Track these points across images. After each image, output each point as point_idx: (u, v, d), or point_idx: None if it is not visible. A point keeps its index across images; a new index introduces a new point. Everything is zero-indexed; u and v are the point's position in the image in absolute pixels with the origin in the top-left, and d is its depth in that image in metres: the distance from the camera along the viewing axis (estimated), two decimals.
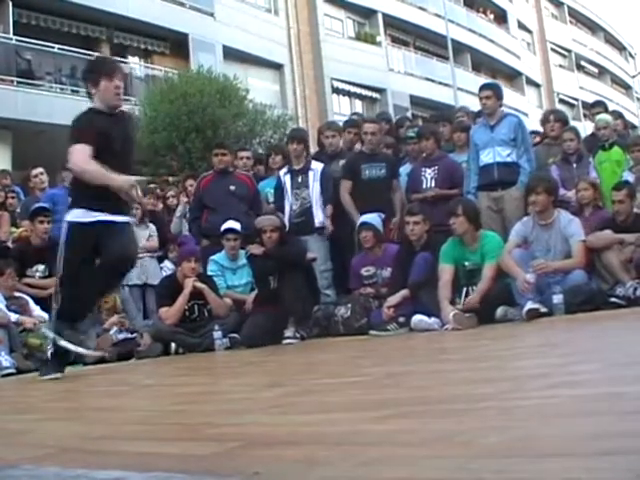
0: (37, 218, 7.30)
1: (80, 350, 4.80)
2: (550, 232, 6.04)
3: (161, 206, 9.13)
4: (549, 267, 5.79)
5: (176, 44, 21.02)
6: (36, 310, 6.73)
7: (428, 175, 7.35)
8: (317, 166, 7.34)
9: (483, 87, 7.38)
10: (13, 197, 8.40)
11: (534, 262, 5.77)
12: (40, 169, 8.83)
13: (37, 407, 3.18)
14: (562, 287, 5.67)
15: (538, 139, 8.35)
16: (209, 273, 7.06)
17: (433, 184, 7.30)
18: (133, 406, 2.94)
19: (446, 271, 6.02)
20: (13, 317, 6.35)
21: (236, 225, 7.07)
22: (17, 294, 6.75)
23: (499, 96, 7.18)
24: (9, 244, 7.67)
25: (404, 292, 6.16)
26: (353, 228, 6.79)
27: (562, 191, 7.08)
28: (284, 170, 7.46)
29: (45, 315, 6.78)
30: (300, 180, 7.27)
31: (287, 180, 7.33)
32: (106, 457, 1.61)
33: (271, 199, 7.74)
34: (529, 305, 5.46)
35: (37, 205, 7.61)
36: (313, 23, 26.36)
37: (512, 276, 5.75)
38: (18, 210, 8.28)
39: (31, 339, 6.24)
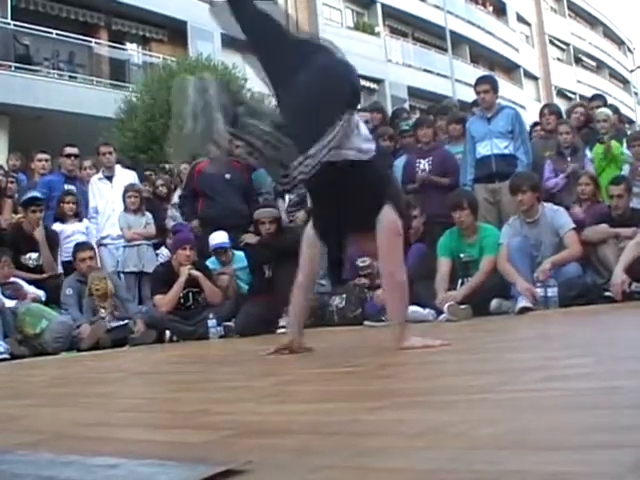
0: (29, 208, 7.28)
1: None
2: (538, 228, 6.05)
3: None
4: (548, 265, 5.77)
5: (174, 31, 20.96)
6: (31, 289, 6.73)
7: (423, 166, 7.35)
8: None
9: (480, 81, 7.37)
10: (12, 182, 8.35)
11: (538, 272, 5.73)
12: (46, 155, 8.77)
13: (31, 393, 3.17)
14: (557, 280, 5.68)
15: (541, 131, 8.29)
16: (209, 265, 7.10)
17: None
18: (127, 393, 2.94)
19: (443, 264, 6.03)
20: (8, 303, 6.32)
21: (225, 239, 7.07)
22: (11, 279, 6.72)
23: (496, 89, 7.23)
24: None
25: None
26: None
27: (553, 181, 7.15)
28: None
29: (41, 292, 6.78)
30: None
31: None
32: (100, 444, 1.61)
33: (265, 188, 7.82)
34: (521, 303, 5.47)
35: (29, 195, 7.55)
36: (312, 12, 26.31)
37: (511, 282, 5.74)
38: (17, 196, 8.24)
39: (27, 328, 6.23)
